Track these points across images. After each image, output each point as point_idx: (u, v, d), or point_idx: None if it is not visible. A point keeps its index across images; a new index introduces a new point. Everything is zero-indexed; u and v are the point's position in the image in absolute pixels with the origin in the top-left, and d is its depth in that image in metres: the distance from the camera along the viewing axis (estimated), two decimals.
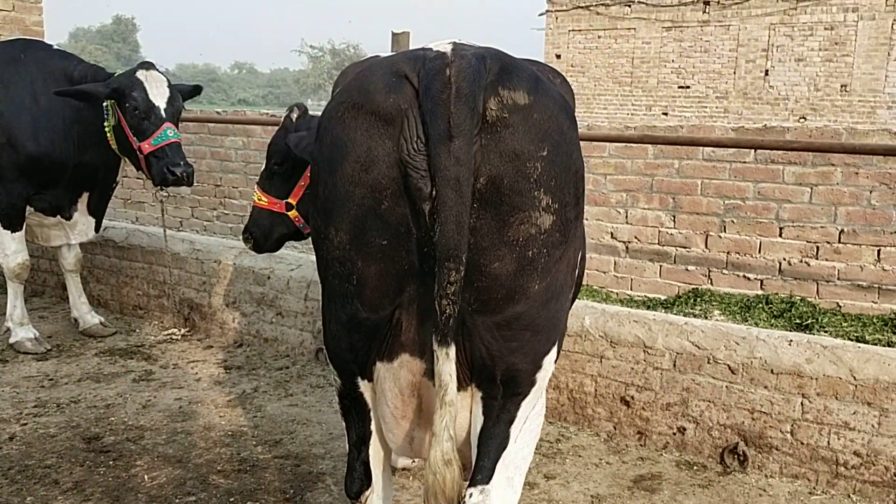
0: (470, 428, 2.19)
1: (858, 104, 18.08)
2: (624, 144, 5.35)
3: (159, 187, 4.90)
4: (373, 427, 2.30)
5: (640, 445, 4.01)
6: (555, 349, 2.17)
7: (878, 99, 18.02)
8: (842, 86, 18.37)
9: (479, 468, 2.10)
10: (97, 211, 5.45)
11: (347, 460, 2.39)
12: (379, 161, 1.93)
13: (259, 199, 3.61)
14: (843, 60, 18.32)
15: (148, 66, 4.90)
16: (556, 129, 1.99)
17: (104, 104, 4.84)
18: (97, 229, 5.55)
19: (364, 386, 2.22)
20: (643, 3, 20.41)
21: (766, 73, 19.23)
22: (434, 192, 1.87)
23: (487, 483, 2.08)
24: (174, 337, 5.62)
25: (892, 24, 17.73)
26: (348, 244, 2.00)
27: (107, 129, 4.90)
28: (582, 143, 5.65)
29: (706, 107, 19.97)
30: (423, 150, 1.89)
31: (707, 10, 19.67)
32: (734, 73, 19.66)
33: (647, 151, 5.44)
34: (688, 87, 20.32)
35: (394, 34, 4.93)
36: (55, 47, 5.35)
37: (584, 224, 2.61)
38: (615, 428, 4.08)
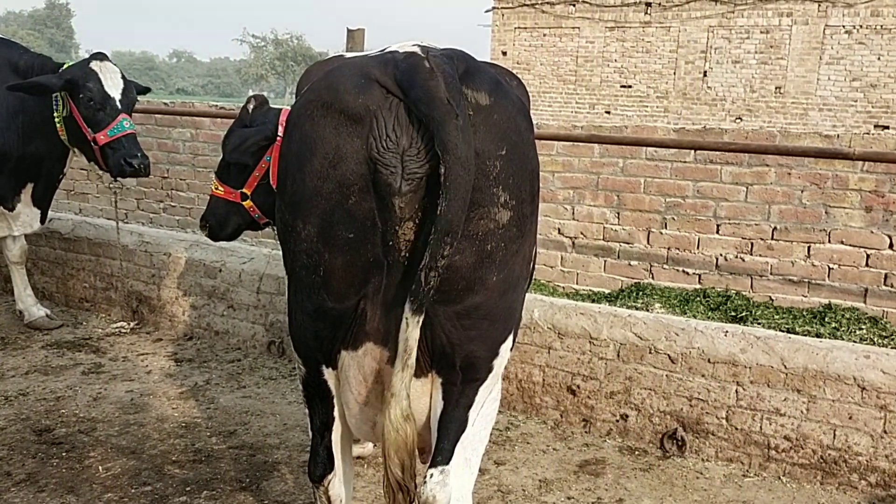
0: (430, 413, 2.30)
1: (792, 106, 18.76)
2: (571, 143, 5.52)
3: (113, 179, 4.90)
4: (336, 413, 2.39)
5: (585, 432, 4.18)
6: (510, 337, 2.30)
7: (810, 101, 18.74)
8: (776, 88, 19.03)
9: (440, 450, 2.21)
10: (42, 202, 5.37)
11: (311, 445, 2.47)
12: (347, 158, 2.01)
13: (216, 189, 3.63)
14: (777, 63, 18.97)
15: (101, 56, 4.88)
16: (514, 129, 2.11)
17: (54, 95, 4.79)
18: (43, 220, 5.47)
19: (328, 374, 2.31)
20: (587, 2, 20.76)
21: (705, 75, 19.78)
22: (406, 188, 1.98)
23: (447, 464, 2.19)
24: (123, 330, 5.58)
25: (824, 29, 18.45)
26: (316, 237, 2.09)
27: (57, 120, 4.85)
28: None
29: (647, 106, 20.44)
30: (392, 147, 1.99)
31: (649, 12, 20.12)
32: (674, 73, 20.17)
33: (594, 150, 5.63)
34: (630, 87, 20.76)
35: (349, 31, 5.00)
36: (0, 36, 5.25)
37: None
38: (562, 416, 4.24)
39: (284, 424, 4.15)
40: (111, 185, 5.12)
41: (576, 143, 5.47)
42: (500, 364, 2.28)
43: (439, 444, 2.22)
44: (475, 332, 2.16)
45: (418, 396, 2.25)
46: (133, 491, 3.43)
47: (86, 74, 4.74)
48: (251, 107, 3.56)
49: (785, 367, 3.69)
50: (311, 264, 2.12)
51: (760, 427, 3.76)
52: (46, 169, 5.21)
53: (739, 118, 19.18)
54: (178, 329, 5.52)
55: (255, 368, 4.94)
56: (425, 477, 2.21)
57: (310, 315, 2.20)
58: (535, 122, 6.02)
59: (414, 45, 2.14)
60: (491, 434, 4.06)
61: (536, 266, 5.98)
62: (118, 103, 4.77)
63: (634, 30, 20.42)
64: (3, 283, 6.21)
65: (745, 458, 3.80)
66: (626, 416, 4.06)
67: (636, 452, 3.99)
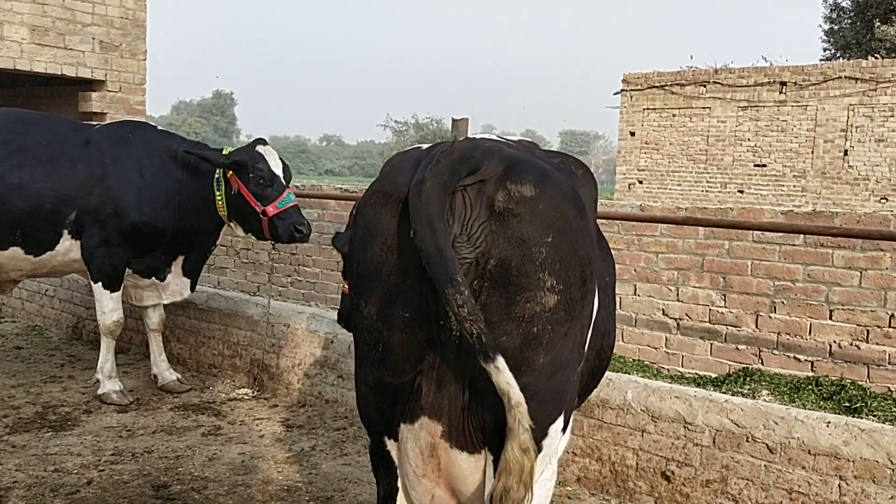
0: (483, 490, 2.37)
1: None
2: (676, 224, 5.52)
3: (272, 247, 5.74)
4: (399, 484, 2.48)
5: None
6: (561, 418, 2.34)
7: None
8: None
9: None
10: (192, 272, 6.00)
11: None
12: (403, 244, 2.20)
13: (345, 286, 3.94)
14: None
15: (263, 142, 5.63)
16: (560, 217, 2.22)
17: (216, 177, 5.50)
18: (192, 289, 6.06)
19: (390, 445, 2.43)
20: (718, 82, 20.55)
21: (846, 154, 18.95)
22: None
23: None
24: (245, 396, 5.96)
25: None
26: (376, 316, 2.26)
27: (219, 198, 5.51)
28: (634, 223, 5.79)
29: (783, 185, 19.77)
30: None
31: (784, 91, 19.65)
32: (812, 152, 19.44)
33: (698, 232, 5.59)
34: (764, 166, 20.17)
35: (454, 120, 5.32)
36: (160, 128, 5.97)
37: (609, 302, 2.80)
38: (656, 502, 4.14)
39: None
40: (270, 255, 6.09)
41: (681, 225, 5.46)
42: (549, 444, 2.32)
43: None
44: None
45: (472, 472, 2.32)
46: None
47: (254, 157, 5.45)
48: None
49: (892, 462, 3.49)
50: (371, 340, 2.29)
51: None
52: (199, 242, 5.86)
53: (885, 198, 18.13)
54: (292, 396, 5.84)
55: (359, 437, 5.13)
56: None
57: (371, 388, 2.36)
58: (641, 205, 6.01)
59: (464, 140, 2.33)
60: None
61: (639, 347, 5.94)
62: (283, 180, 5.47)
63: (769, 109, 19.95)
64: (142, 348, 6.80)
65: None
66: None
67: None
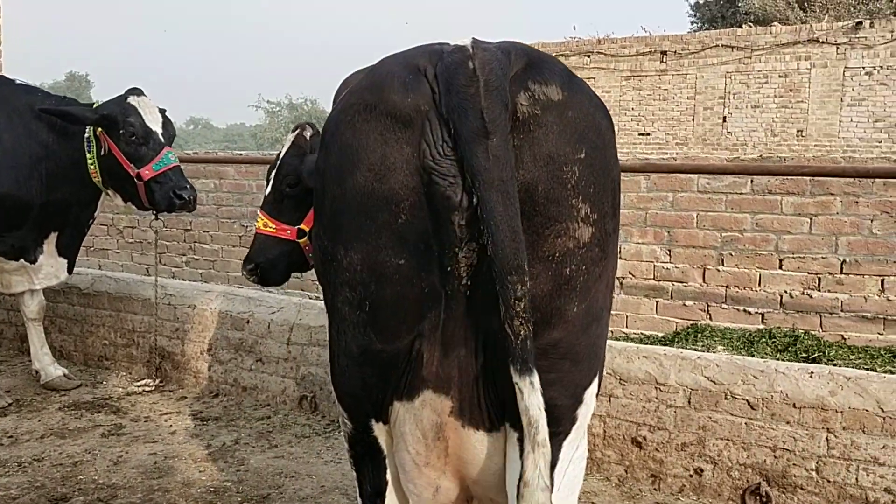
0: (505, 474, 1.94)
1: (815, 148, 18.51)
2: None
3: (155, 217, 4.82)
4: (389, 477, 2.03)
5: (655, 489, 3.78)
6: (596, 381, 1.94)
7: (833, 143, 18.49)
8: (798, 131, 18.82)
9: None
10: (68, 251, 5.10)
11: None
12: (396, 169, 1.71)
13: (265, 226, 3.22)
14: (798, 106, 18.79)
15: (138, 91, 4.76)
16: (593, 128, 1.79)
17: (86, 136, 4.64)
18: (70, 270, 5.19)
19: (379, 429, 1.95)
20: (602, 52, 20.77)
21: (724, 120, 19.64)
22: (468, 202, 1.67)
23: None
24: (147, 388, 5.25)
25: (844, 71, 18.31)
26: (359, 265, 1.77)
27: (90, 162, 4.66)
28: None
29: (667, 153, 20.24)
30: (450, 154, 1.68)
31: (664, 60, 20.09)
32: (693, 119, 20.04)
33: (640, 185, 5.34)
34: (648, 134, 20.64)
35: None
36: (18, 81, 5.05)
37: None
38: (627, 471, 3.84)
39: (322, 487, 3.78)
40: (152, 224, 5.03)
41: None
42: (585, 414, 1.91)
43: None
44: (554, 375, 1.79)
45: (489, 455, 1.89)
46: None
47: (125, 110, 4.61)
48: (308, 134, 3.18)
49: (882, 410, 3.31)
50: (354, 298, 1.79)
51: (856, 479, 3.35)
52: (73, 216, 4.98)
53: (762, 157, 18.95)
54: (202, 386, 5.19)
55: (287, 426, 4.58)
56: None
57: (355, 359, 1.86)
58: None
59: (467, 39, 1.85)
60: None
61: None
62: (160, 137, 4.65)
63: (651, 78, 20.36)
64: (17, 342, 5.92)
65: None
66: (701, 471, 3.67)
67: None
